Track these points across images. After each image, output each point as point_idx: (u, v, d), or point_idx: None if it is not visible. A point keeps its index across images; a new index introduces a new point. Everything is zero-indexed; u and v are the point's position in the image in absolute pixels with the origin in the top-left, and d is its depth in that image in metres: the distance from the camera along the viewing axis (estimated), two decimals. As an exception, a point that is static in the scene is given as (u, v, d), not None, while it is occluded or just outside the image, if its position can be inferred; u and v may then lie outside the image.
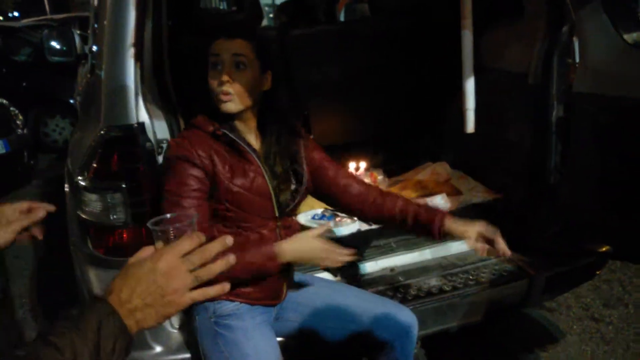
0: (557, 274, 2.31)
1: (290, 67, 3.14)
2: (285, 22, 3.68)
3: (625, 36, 2.12)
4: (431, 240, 1.89)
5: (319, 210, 2.53)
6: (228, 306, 1.74)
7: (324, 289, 1.97)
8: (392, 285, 2.24)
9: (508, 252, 1.76)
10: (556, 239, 2.37)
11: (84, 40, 4.48)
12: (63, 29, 4.18)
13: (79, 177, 1.86)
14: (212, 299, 1.71)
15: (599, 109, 2.18)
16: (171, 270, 0.95)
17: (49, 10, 16.61)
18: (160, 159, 1.84)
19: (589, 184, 2.29)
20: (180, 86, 2.11)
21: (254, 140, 1.79)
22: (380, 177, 3.04)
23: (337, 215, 2.58)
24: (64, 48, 4.20)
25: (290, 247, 1.67)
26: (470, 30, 2.30)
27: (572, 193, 2.37)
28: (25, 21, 10.12)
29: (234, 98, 1.67)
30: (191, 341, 1.89)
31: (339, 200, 1.94)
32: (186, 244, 0.97)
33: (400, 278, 2.28)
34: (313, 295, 1.93)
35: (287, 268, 1.82)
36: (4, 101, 5.57)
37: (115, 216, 1.82)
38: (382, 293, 2.16)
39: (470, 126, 2.37)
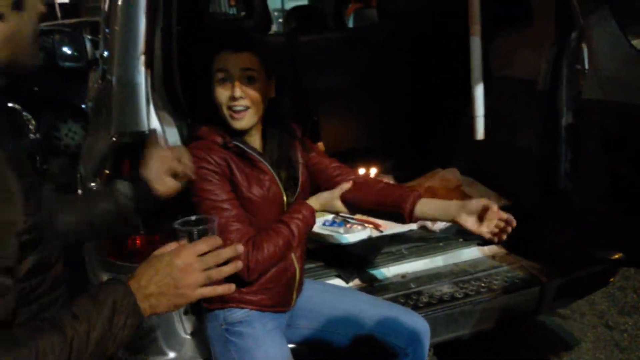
0: (569, 281, 2.30)
1: (298, 73, 3.14)
2: (294, 28, 3.68)
3: (635, 42, 2.11)
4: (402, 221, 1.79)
5: (330, 217, 2.52)
6: (238, 313, 1.74)
7: (335, 296, 1.96)
8: (404, 292, 2.23)
9: (511, 218, 1.65)
10: (568, 246, 2.35)
11: (95, 45, 4.50)
12: (74, 34, 4.21)
13: (91, 183, 1.86)
14: (222, 307, 1.72)
15: (608, 115, 2.17)
16: (187, 267, 1.10)
17: (59, 15, 16.73)
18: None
19: (600, 190, 2.28)
20: (189, 93, 2.12)
21: (259, 147, 1.80)
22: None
23: (348, 222, 2.57)
24: (75, 53, 4.22)
25: (315, 199, 1.81)
26: (479, 36, 2.30)
27: (583, 200, 2.36)
28: (36, 26, 10.14)
29: (247, 114, 1.68)
30: (204, 348, 1.89)
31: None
32: (204, 245, 1.13)
33: (411, 285, 2.27)
34: (324, 302, 1.92)
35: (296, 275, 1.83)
36: (17, 106, 5.60)
37: (128, 222, 1.82)
38: (393, 300, 2.15)
39: (480, 133, 2.37)
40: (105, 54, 2.73)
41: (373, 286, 2.28)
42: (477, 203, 1.66)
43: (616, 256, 2.32)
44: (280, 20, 12.51)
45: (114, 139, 1.82)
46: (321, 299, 1.93)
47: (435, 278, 2.32)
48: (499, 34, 2.80)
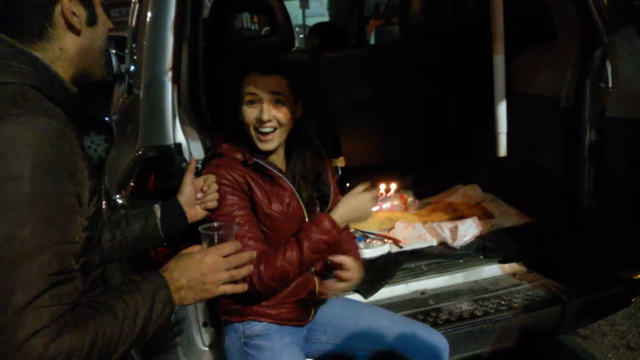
0: (591, 301, 2.28)
1: (321, 89, 3.17)
2: (317, 44, 3.72)
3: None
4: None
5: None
6: (257, 326, 1.75)
7: (354, 311, 1.96)
8: (423, 309, 2.22)
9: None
10: (590, 264, 2.33)
11: (120, 59, 4.56)
12: (100, 49, 4.27)
13: (117, 195, 1.90)
14: (241, 320, 1.74)
15: (632, 133, 2.16)
16: (214, 265, 1.25)
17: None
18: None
19: (624, 209, 2.26)
20: (214, 109, 2.15)
21: (282, 164, 1.83)
22: (410, 199, 3.04)
23: (367, 237, 2.58)
24: (101, 67, 4.27)
25: (341, 211, 1.71)
26: (502, 54, 2.31)
27: (606, 218, 2.34)
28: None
29: (274, 136, 1.72)
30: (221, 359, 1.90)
31: None
32: (228, 248, 1.29)
33: (431, 302, 2.26)
34: (343, 317, 1.93)
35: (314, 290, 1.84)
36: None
37: (151, 234, 1.85)
38: (412, 316, 2.15)
39: (503, 150, 2.37)
40: (132, 68, 2.79)
41: (392, 302, 2.28)
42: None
43: (639, 276, 2.29)
44: (301, 36, 12.60)
45: (140, 152, 1.85)
46: (341, 314, 1.93)
47: (454, 295, 2.31)
48: (521, 52, 2.81)
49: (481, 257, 2.51)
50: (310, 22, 14.00)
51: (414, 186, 3.23)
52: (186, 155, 1.86)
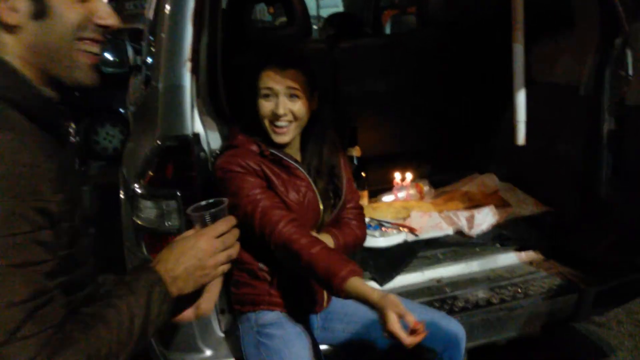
0: (608, 289, 2.27)
1: (338, 79, 3.17)
2: (333, 34, 3.72)
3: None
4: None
5: (366, 220, 2.54)
6: (269, 315, 1.78)
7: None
8: (439, 297, 2.23)
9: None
10: (608, 252, 2.33)
11: (136, 51, 4.60)
12: (117, 41, 4.30)
13: (135, 185, 1.93)
14: (253, 309, 1.78)
15: None
16: (210, 248, 1.16)
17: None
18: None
19: (641, 197, 2.25)
20: (232, 100, 2.17)
21: (297, 155, 1.84)
22: (426, 188, 3.04)
23: (383, 226, 2.59)
24: (117, 59, 4.32)
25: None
26: (521, 42, 2.29)
27: (625, 207, 2.33)
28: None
29: (289, 129, 1.73)
30: (238, 348, 1.93)
31: None
32: (222, 226, 1.19)
33: (447, 289, 2.27)
34: (359, 306, 1.92)
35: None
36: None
37: (169, 223, 1.88)
38: (428, 304, 2.15)
39: (521, 139, 2.36)
40: (149, 60, 2.81)
41: (408, 290, 2.29)
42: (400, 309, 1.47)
43: (656, 264, 2.28)
44: (315, 27, 12.56)
45: (159, 142, 1.88)
46: (356, 302, 1.95)
47: (471, 283, 2.32)
48: (540, 40, 2.79)
49: (497, 245, 2.51)
50: (324, 13, 13.96)
51: (430, 175, 3.23)
52: (204, 145, 1.88)
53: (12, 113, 0.96)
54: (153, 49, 2.43)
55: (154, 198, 1.89)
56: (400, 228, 2.55)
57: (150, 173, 1.90)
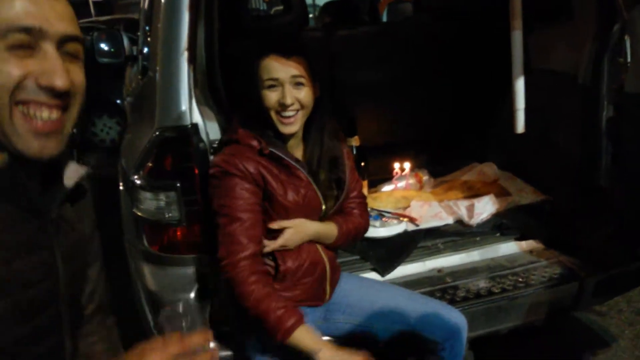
0: (608, 278, 2.26)
1: (335, 67, 3.15)
2: (329, 22, 3.69)
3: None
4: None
5: (366, 210, 2.53)
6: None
7: (372, 290, 1.97)
8: (440, 287, 2.22)
9: None
10: (608, 241, 2.32)
11: (132, 42, 4.57)
12: (112, 31, 4.27)
13: (134, 176, 1.91)
14: None
15: None
16: None
17: (93, 12, 17.02)
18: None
19: (641, 185, 2.24)
20: (230, 89, 2.15)
21: (298, 149, 1.82)
22: (425, 178, 3.03)
23: (383, 215, 2.58)
24: (113, 50, 4.29)
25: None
26: (520, 30, 2.28)
27: (624, 195, 2.32)
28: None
29: (297, 119, 1.70)
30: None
31: None
32: (175, 347, 1.02)
33: (448, 279, 2.26)
34: (361, 296, 1.93)
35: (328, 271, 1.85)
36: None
37: (169, 214, 1.87)
38: (429, 294, 2.15)
39: (521, 126, 2.35)
40: (146, 50, 2.78)
41: (409, 280, 2.28)
42: None
43: (656, 253, 2.28)
44: (311, 15, 12.53)
45: (157, 132, 1.86)
46: (358, 293, 1.94)
47: (471, 273, 2.31)
48: (539, 28, 2.77)
49: (498, 234, 2.50)
50: (319, 1, 13.91)
51: (429, 164, 3.22)
52: (203, 135, 1.87)
53: None
54: (149, 39, 2.40)
55: (154, 189, 1.88)
56: (401, 218, 2.55)
57: (149, 164, 1.89)
